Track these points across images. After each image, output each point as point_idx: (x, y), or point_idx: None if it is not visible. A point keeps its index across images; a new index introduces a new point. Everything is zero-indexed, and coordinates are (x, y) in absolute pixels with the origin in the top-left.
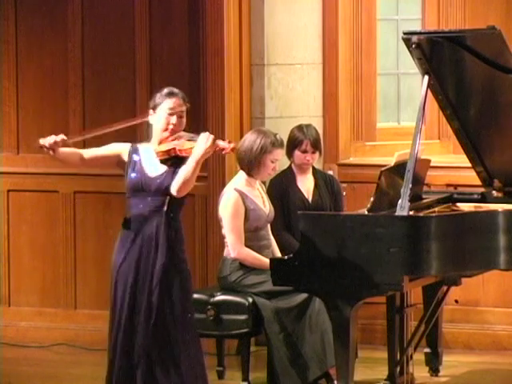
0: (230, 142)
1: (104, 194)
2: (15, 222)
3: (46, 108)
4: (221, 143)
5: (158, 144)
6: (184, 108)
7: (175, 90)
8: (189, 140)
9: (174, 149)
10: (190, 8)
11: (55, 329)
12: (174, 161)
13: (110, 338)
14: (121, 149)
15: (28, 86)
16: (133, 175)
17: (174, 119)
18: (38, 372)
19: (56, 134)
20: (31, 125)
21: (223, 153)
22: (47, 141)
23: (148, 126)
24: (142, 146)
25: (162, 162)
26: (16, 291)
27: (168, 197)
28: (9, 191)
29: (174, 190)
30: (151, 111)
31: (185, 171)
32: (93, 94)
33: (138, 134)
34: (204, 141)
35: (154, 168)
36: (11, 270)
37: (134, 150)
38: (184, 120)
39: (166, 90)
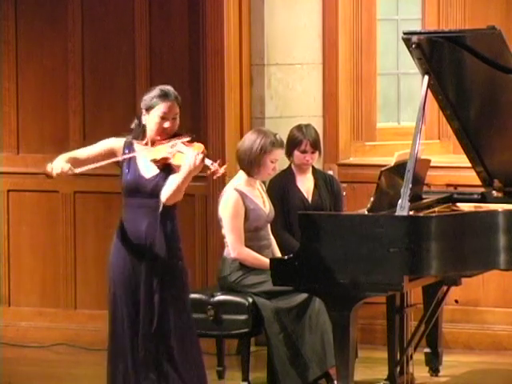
0: (220, 165)
1: (104, 193)
2: (15, 221)
3: (46, 108)
4: (209, 164)
5: (150, 144)
6: (177, 110)
7: (169, 92)
8: (181, 152)
9: (167, 159)
10: (190, 8)
11: (55, 329)
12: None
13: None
14: (114, 144)
15: (28, 85)
16: (128, 176)
17: (167, 123)
18: (38, 372)
19: (56, 134)
20: (31, 125)
21: (214, 177)
22: (55, 170)
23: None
24: (137, 145)
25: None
26: (16, 291)
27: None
28: (9, 191)
29: (163, 198)
30: (144, 111)
31: (175, 183)
32: (93, 94)
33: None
34: (192, 161)
35: (148, 169)
36: (11, 270)
37: (128, 146)
38: (177, 121)
39: (159, 92)
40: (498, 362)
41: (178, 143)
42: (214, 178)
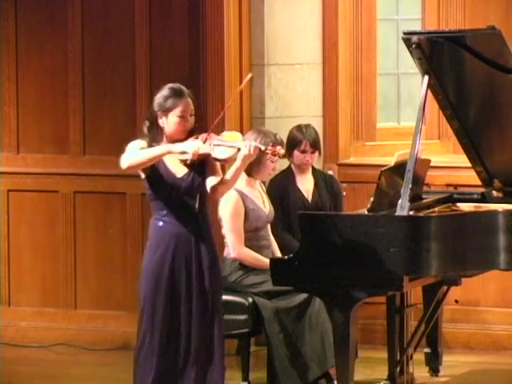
0: (275, 145)
1: (104, 193)
2: (15, 222)
3: (46, 108)
4: (263, 149)
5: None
6: (193, 106)
7: (182, 90)
8: (219, 145)
9: (208, 155)
10: (190, 8)
11: (55, 329)
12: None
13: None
14: (144, 146)
15: (28, 86)
16: (160, 177)
17: (188, 121)
18: (38, 372)
19: (56, 134)
20: (31, 125)
21: (276, 158)
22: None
23: (143, 122)
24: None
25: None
26: (16, 291)
27: (198, 194)
28: (9, 191)
29: (213, 192)
30: (159, 114)
31: (230, 175)
32: (93, 94)
33: (137, 128)
34: (247, 150)
35: (178, 168)
36: (11, 270)
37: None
38: (193, 117)
39: (171, 92)
40: (497, 362)
41: (213, 137)
42: (276, 159)
